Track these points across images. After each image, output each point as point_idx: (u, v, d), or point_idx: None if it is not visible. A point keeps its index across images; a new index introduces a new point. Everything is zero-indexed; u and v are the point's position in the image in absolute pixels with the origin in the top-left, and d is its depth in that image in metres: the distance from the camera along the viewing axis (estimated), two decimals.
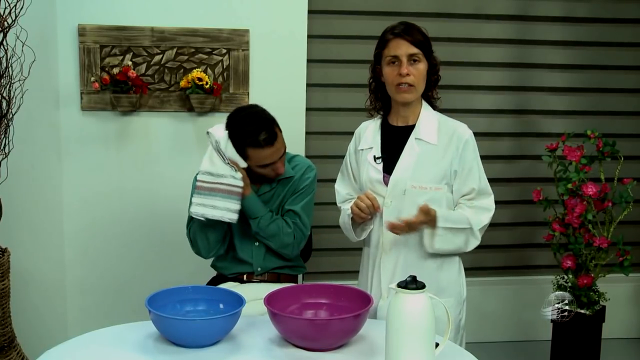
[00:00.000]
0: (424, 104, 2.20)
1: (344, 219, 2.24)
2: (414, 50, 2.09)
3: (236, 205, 2.26)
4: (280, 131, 2.29)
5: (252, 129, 2.23)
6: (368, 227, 2.21)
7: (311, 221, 2.45)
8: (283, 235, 2.35)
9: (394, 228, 2.03)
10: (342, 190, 2.32)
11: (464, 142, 2.13)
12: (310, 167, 2.44)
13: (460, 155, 2.12)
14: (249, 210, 2.32)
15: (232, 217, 2.26)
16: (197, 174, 2.32)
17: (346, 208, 2.23)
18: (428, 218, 2.02)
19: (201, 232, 2.34)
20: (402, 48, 2.09)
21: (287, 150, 2.37)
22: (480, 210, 2.13)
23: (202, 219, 2.27)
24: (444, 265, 2.15)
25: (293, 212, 2.38)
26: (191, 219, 2.38)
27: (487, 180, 2.18)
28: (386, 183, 2.14)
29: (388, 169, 2.15)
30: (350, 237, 2.29)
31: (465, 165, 2.12)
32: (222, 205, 2.25)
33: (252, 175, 2.33)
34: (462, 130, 2.15)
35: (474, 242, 2.13)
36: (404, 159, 2.13)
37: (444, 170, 2.11)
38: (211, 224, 2.31)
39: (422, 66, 2.11)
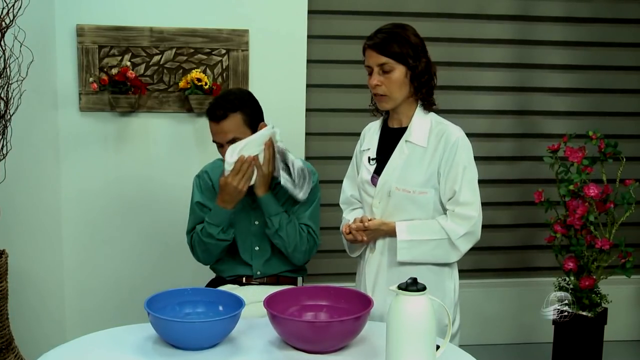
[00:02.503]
0: (419, 106, 2.16)
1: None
2: (382, 60, 2.05)
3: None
4: (245, 120, 2.21)
5: (213, 100, 2.26)
6: (359, 247, 2.26)
7: (319, 226, 2.41)
8: (300, 239, 2.30)
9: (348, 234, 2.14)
10: (348, 191, 2.33)
11: (452, 144, 2.07)
12: (312, 171, 2.36)
13: (446, 157, 2.07)
14: (270, 206, 2.25)
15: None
16: (198, 173, 2.33)
17: (347, 218, 2.26)
18: (375, 234, 2.12)
19: (202, 244, 2.31)
20: (372, 58, 2.08)
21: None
22: (459, 219, 2.06)
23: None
24: (429, 268, 2.11)
25: (302, 223, 2.33)
26: (193, 228, 2.36)
27: (475, 187, 2.10)
28: (375, 184, 2.14)
29: (379, 171, 2.15)
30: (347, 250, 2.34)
31: (451, 167, 2.07)
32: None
33: None
34: (450, 132, 2.09)
35: (455, 253, 2.09)
36: (392, 161, 2.12)
37: (431, 173, 2.08)
38: (216, 242, 2.28)
39: (396, 74, 2.06)
